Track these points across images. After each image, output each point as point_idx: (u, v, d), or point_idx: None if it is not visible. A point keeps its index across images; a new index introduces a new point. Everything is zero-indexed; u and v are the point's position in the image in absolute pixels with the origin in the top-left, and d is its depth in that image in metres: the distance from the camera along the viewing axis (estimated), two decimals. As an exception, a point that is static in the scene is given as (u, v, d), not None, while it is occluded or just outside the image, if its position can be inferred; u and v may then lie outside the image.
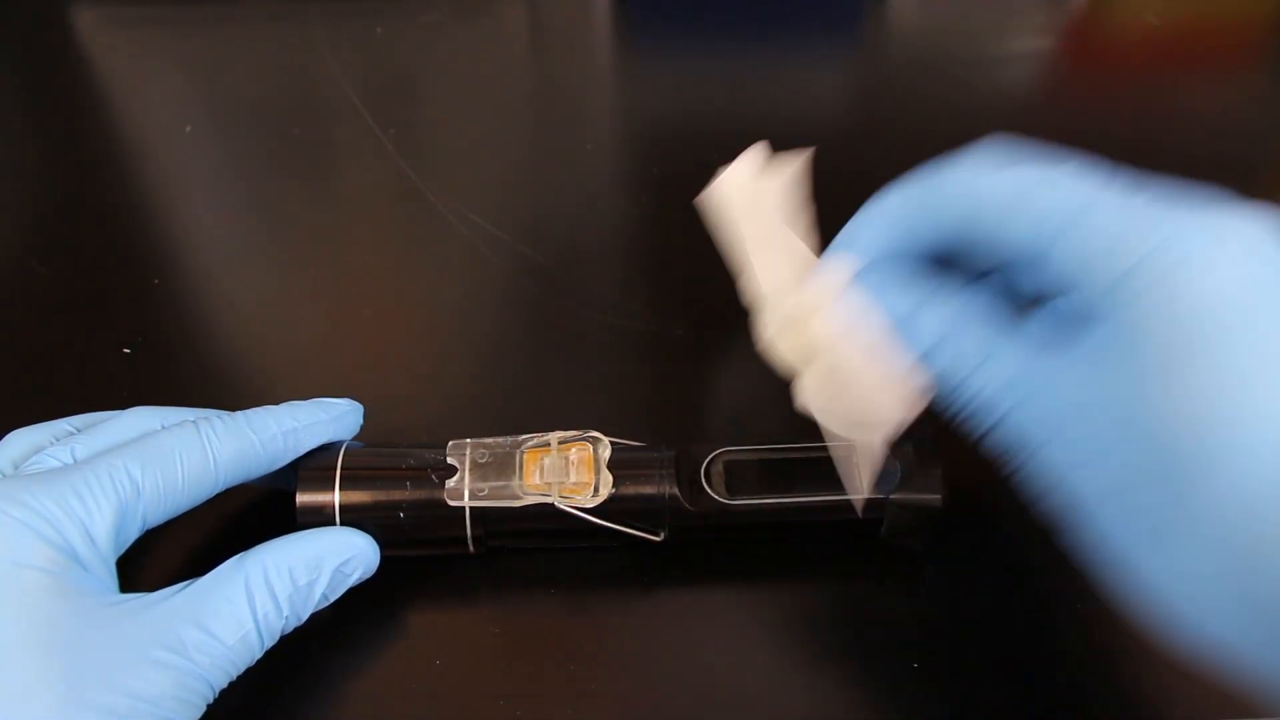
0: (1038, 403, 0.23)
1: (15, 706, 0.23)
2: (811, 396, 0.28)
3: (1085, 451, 0.22)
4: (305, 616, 0.28)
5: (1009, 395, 0.24)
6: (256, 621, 0.26)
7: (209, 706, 0.25)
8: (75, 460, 0.27)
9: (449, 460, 0.30)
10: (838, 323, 0.27)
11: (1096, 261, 0.22)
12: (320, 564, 0.28)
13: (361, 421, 0.32)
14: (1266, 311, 0.21)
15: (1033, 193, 0.24)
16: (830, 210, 0.45)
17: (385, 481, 0.30)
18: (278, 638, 0.27)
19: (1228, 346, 0.20)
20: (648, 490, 0.30)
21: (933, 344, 0.25)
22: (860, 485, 0.30)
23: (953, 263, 0.27)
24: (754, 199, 0.29)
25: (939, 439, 0.31)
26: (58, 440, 0.28)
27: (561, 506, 0.30)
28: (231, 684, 0.26)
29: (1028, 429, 0.23)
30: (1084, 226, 0.23)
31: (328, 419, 0.31)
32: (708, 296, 0.41)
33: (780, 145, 0.50)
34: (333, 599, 0.28)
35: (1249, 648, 0.20)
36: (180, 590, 0.26)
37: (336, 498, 0.29)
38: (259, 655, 0.26)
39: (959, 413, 0.25)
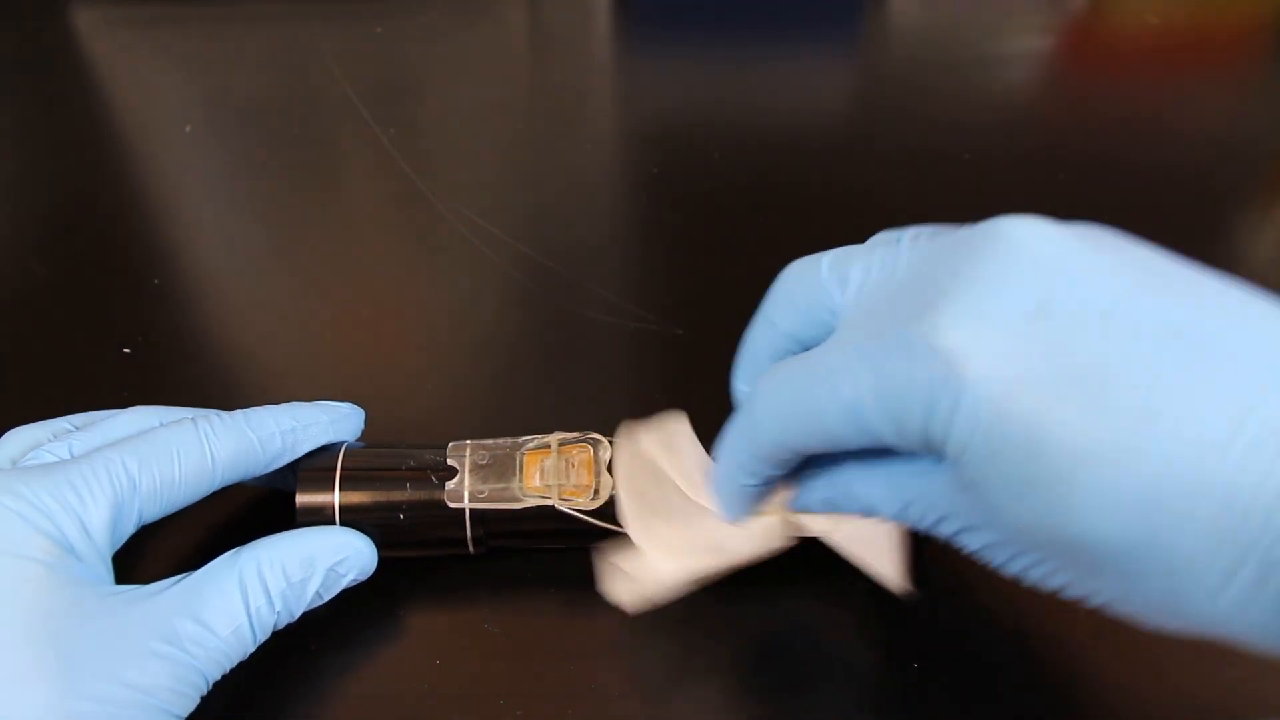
0: (954, 523, 0.24)
1: (11, 695, 0.23)
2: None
3: (1006, 554, 0.23)
4: (298, 614, 0.28)
5: (931, 518, 0.24)
6: (249, 615, 0.26)
7: (205, 701, 0.26)
8: (72, 456, 0.28)
9: (449, 462, 0.30)
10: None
11: (900, 444, 0.22)
12: (314, 562, 0.28)
13: (363, 425, 0.32)
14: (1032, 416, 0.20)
15: (817, 423, 0.24)
16: (830, 209, 0.45)
17: (385, 482, 0.30)
18: (270, 633, 0.27)
19: (1031, 470, 0.20)
20: (648, 491, 0.30)
21: (870, 510, 0.26)
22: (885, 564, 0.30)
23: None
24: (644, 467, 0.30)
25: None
26: (56, 438, 0.28)
27: (562, 508, 0.30)
28: (232, 682, 0.26)
29: (958, 539, 0.24)
30: (867, 419, 0.22)
31: (328, 420, 0.31)
32: (708, 296, 0.42)
33: (780, 145, 0.51)
34: (327, 598, 0.28)
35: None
36: (175, 583, 0.26)
37: (336, 498, 0.29)
38: (252, 649, 0.27)
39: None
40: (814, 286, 0.26)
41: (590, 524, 0.30)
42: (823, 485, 0.27)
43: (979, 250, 0.22)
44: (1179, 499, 0.19)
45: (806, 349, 0.27)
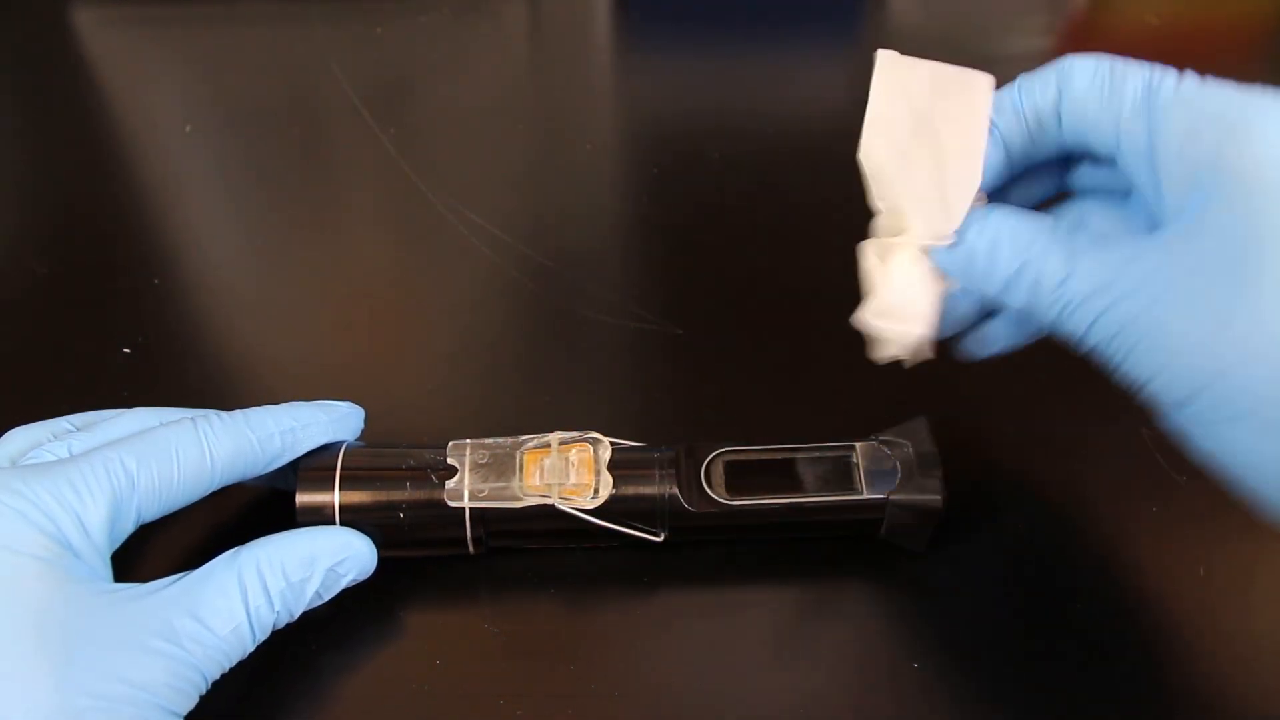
0: (1122, 309, 0.23)
1: (9, 691, 0.23)
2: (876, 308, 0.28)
3: (1171, 351, 0.23)
4: (297, 613, 0.28)
5: (1093, 306, 0.24)
6: (248, 614, 0.26)
7: (205, 700, 0.26)
8: (71, 455, 0.27)
9: (449, 461, 0.30)
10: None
11: (1169, 155, 0.23)
12: (314, 562, 0.28)
13: (362, 424, 0.32)
14: None
15: (1111, 86, 0.25)
16: (830, 209, 0.45)
17: (385, 482, 0.30)
18: (269, 632, 0.27)
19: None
20: (648, 491, 0.30)
21: (1016, 269, 0.25)
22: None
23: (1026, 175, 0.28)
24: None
25: (939, 440, 0.31)
26: (56, 438, 0.28)
27: (562, 507, 0.30)
28: (232, 682, 0.26)
29: (1115, 336, 0.24)
30: (1156, 121, 0.24)
31: (327, 420, 0.31)
32: (708, 296, 0.42)
33: (780, 145, 0.50)
34: (326, 598, 0.28)
35: None
36: (175, 581, 0.26)
37: (336, 498, 0.29)
38: (251, 648, 0.27)
39: (1052, 330, 0.26)
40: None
41: (590, 523, 0.30)
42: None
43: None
44: None
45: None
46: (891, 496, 0.30)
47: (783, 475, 0.31)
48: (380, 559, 0.30)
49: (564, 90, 0.55)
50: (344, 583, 0.29)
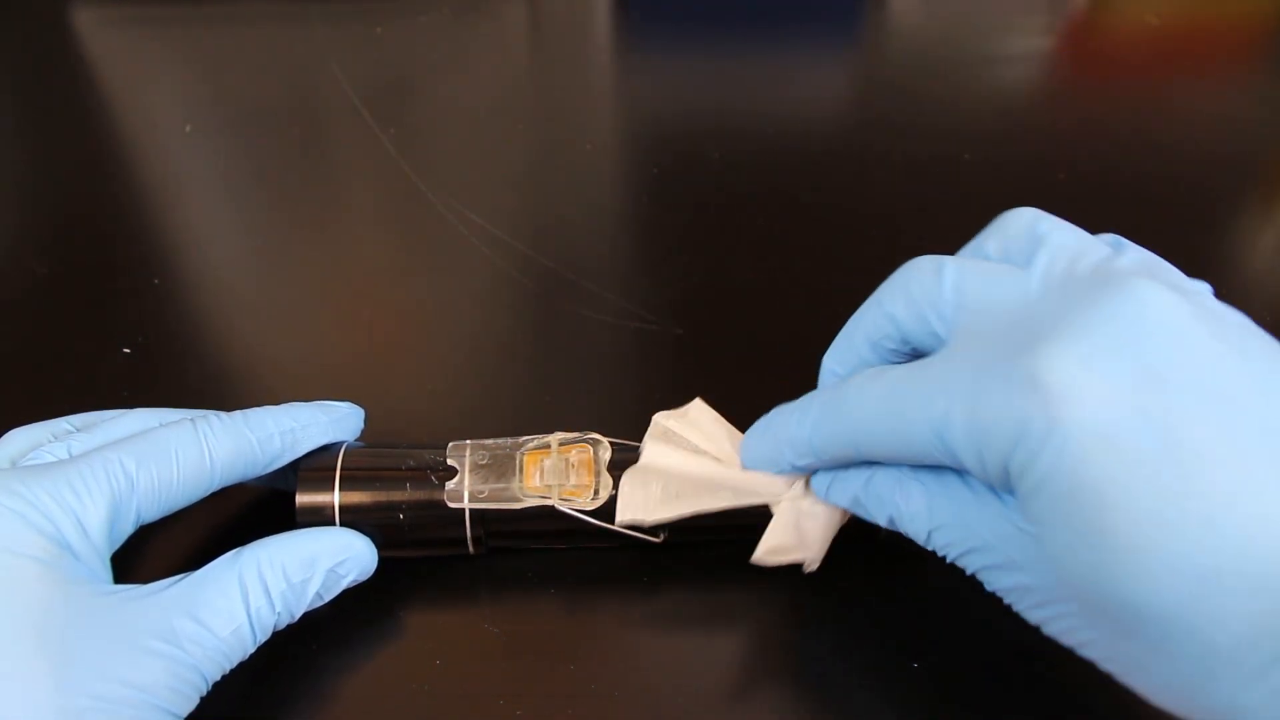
0: (989, 557, 0.24)
1: (8, 691, 0.23)
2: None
3: (1036, 599, 0.23)
4: (298, 614, 0.28)
5: (961, 547, 0.25)
6: (249, 616, 0.26)
7: (205, 700, 0.26)
8: (71, 456, 0.27)
9: (449, 462, 0.30)
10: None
11: (976, 468, 0.23)
12: (315, 563, 0.28)
13: (362, 424, 0.32)
14: (1129, 467, 0.20)
15: (901, 429, 0.24)
16: (830, 209, 0.45)
17: (385, 482, 0.30)
18: (270, 633, 0.27)
19: (1103, 520, 0.20)
20: (648, 491, 0.30)
21: (897, 521, 0.27)
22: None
23: None
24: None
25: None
26: (56, 438, 0.28)
27: (562, 509, 0.30)
28: (232, 681, 0.26)
29: (995, 584, 0.24)
30: (954, 445, 0.23)
31: (327, 421, 0.31)
32: (708, 296, 0.42)
33: (780, 145, 0.51)
34: (327, 599, 0.28)
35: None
36: (175, 582, 0.26)
37: (336, 498, 0.29)
38: (252, 649, 0.27)
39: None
40: (932, 288, 0.26)
41: (590, 524, 0.30)
42: (858, 484, 0.27)
43: (1105, 303, 0.22)
44: (1243, 581, 0.19)
45: (907, 344, 0.27)
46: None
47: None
48: (380, 559, 0.30)
49: (564, 90, 0.55)
50: (345, 583, 0.29)
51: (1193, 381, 0.21)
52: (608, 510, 0.30)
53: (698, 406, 0.30)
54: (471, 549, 0.31)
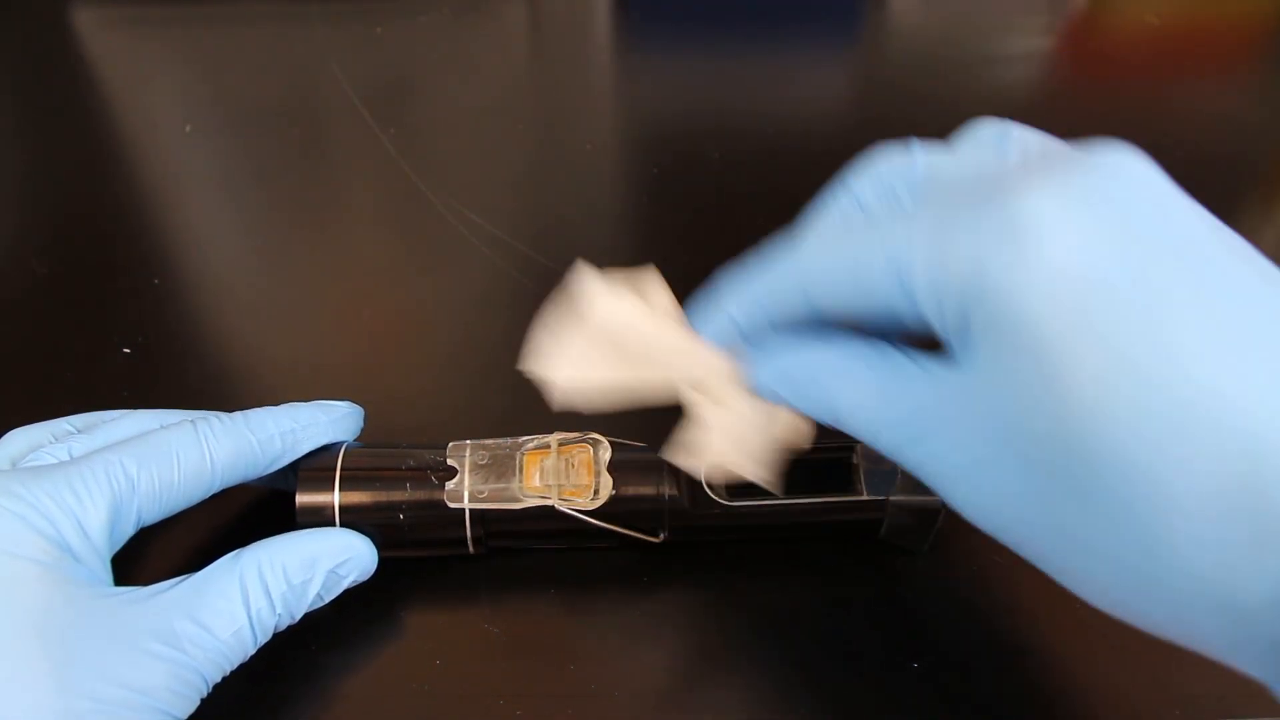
0: (937, 441, 0.23)
1: (8, 693, 0.23)
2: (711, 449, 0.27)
3: (986, 484, 0.22)
4: (299, 615, 0.28)
5: (906, 437, 0.23)
6: (250, 617, 0.26)
7: (205, 700, 0.26)
8: (72, 458, 0.27)
9: (449, 462, 0.30)
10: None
11: (932, 309, 0.22)
12: (315, 564, 0.28)
13: (362, 424, 0.32)
14: (1095, 310, 0.20)
15: (856, 267, 0.23)
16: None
17: (385, 483, 0.30)
18: (271, 635, 0.27)
19: (1066, 364, 0.20)
20: (648, 492, 0.30)
21: (830, 406, 0.25)
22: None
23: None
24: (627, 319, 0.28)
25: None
26: (56, 439, 0.29)
27: (561, 509, 0.30)
28: (233, 683, 0.26)
29: (931, 467, 0.23)
30: (911, 283, 0.22)
31: (327, 421, 0.31)
32: (708, 297, 0.41)
33: (780, 145, 0.51)
34: (328, 599, 0.28)
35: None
36: (175, 584, 0.26)
37: (336, 498, 0.29)
38: (252, 651, 0.27)
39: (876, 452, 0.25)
40: (902, 165, 0.25)
41: (590, 524, 0.30)
42: (793, 363, 0.25)
43: (1087, 162, 0.21)
44: (1210, 431, 0.19)
45: None
46: (891, 497, 0.30)
47: (782, 476, 0.31)
48: (380, 559, 0.30)
49: (564, 90, 0.55)
50: (345, 584, 0.29)
51: (1171, 239, 0.20)
52: (607, 510, 0.30)
53: (652, 280, 0.28)
54: (471, 549, 0.31)
